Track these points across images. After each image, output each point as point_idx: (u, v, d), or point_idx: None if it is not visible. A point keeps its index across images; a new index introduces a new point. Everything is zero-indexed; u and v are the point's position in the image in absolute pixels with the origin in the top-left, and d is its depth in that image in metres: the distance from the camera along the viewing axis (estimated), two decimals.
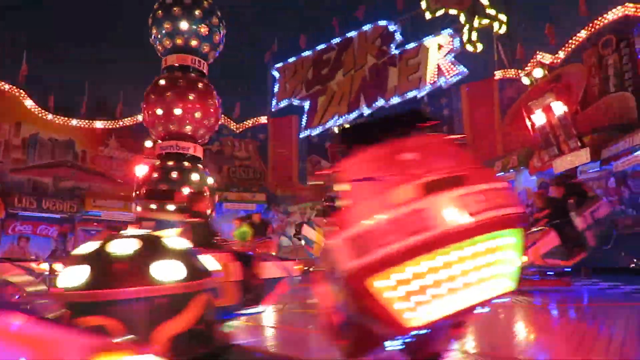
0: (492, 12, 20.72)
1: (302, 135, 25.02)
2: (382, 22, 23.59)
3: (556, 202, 9.23)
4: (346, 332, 2.62)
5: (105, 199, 21.14)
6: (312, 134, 24.73)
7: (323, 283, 2.90)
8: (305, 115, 25.03)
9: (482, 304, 2.34)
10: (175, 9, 10.80)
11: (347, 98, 23.94)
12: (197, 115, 10.58)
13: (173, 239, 3.24)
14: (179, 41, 11.02)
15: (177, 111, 10.53)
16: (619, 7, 14.85)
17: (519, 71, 18.90)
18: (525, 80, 17.76)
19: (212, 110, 11.28)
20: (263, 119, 25.85)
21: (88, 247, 3.06)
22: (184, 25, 10.89)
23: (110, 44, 24.66)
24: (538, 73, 16.07)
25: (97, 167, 22.46)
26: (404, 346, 2.44)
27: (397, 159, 2.61)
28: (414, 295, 2.22)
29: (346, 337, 2.64)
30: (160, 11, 11.18)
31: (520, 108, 18.32)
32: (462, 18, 21.24)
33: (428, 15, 22.14)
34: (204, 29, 11.08)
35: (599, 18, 15.57)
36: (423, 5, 22.18)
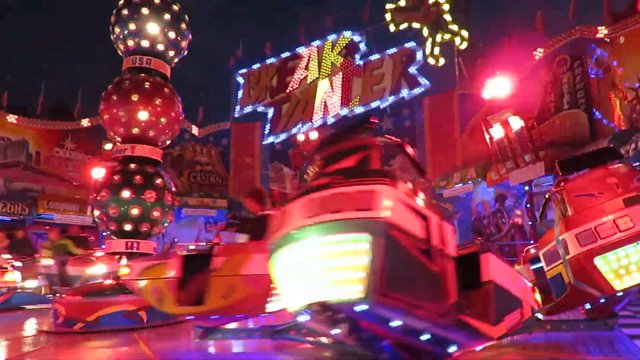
0: (454, 27, 21.28)
1: (265, 142, 24.93)
2: (348, 33, 23.85)
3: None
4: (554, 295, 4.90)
5: (60, 202, 20.48)
6: (276, 141, 24.68)
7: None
8: (269, 122, 24.97)
9: None
10: (143, 9, 10.56)
11: (311, 106, 24.03)
12: (163, 120, 10.35)
13: None
14: (144, 43, 10.76)
15: (142, 115, 10.30)
16: (574, 28, 15.51)
17: (479, 85, 19.43)
18: (485, 95, 18.26)
19: (176, 115, 11.09)
20: (226, 125, 25.63)
21: None
22: (152, 27, 10.63)
23: (70, 42, 24.05)
24: (497, 88, 16.49)
25: (52, 169, 21.73)
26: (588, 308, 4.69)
27: (607, 182, 5.18)
28: (620, 269, 4.55)
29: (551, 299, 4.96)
30: (126, 10, 10.91)
31: (479, 122, 18.84)
32: (425, 32, 21.72)
33: (392, 28, 22.55)
34: (172, 34, 10.86)
35: (555, 38, 16.22)
36: (388, 17, 22.58)
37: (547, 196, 6.67)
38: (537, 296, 4.62)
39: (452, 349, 3.33)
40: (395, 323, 2.99)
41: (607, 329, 5.43)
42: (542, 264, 5.78)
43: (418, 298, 2.87)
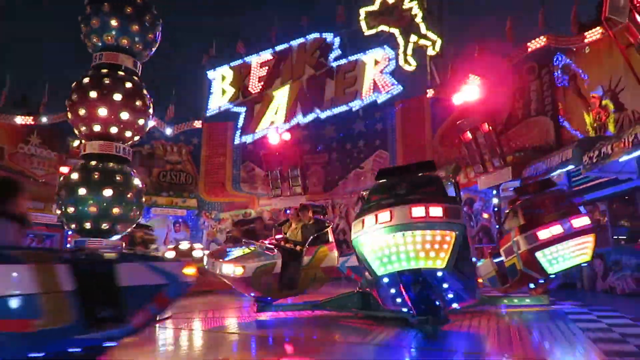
0: (426, 33, 21.54)
1: (236, 142, 24.75)
2: (322, 34, 23.88)
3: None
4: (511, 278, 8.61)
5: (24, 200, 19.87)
6: (248, 142, 24.53)
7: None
8: (241, 122, 24.80)
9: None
10: (104, 5, 10.37)
11: (284, 107, 23.97)
12: (124, 116, 10.17)
13: None
14: (108, 39, 10.57)
15: (103, 111, 10.09)
16: (541, 38, 15.87)
17: (450, 90, 19.72)
18: (455, 100, 18.54)
19: (142, 111, 10.88)
20: (197, 124, 25.34)
21: None
22: (113, 22, 10.45)
23: (39, 35, 23.45)
24: (467, 94, 16.77)
25: (16, 165, 21.09)
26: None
27: (546, 202, 8.89)
28: (552, 259, 8.07)
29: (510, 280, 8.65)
30: (88, 7, 10.70)
31: (450, 126, 19.11)
32: (398, 36, 21.93)
33: (366, 31, 22.69)
34: (135, 27, 10.67)
35: (524, 46, 16.57)
36: (362, 21, 22.71)
37: (507, 211, 9.69)
38: None
39: (455, 304, 6.62)
40: (446, 285, 5.96)
41: (546, 303, 8.62)
42: (503, 257, 9.04)
43: (461, 270, 5.84)
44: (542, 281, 8.55)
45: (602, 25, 12.41)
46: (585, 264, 8.66)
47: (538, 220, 8.41)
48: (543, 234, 8.25)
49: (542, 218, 8.42)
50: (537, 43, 15.98)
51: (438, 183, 6.32)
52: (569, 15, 16.40)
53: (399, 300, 6.06)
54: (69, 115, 10.49)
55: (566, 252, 8.16)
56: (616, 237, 11.28)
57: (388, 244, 5.61)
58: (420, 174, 6.57)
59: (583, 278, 11.92)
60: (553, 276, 8.39)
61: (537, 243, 8.21)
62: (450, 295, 6.18)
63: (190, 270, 5.23)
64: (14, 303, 3.45)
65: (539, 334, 6.13)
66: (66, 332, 3.80)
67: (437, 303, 5.84)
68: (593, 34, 14.23)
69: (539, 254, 8.20)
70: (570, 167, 11.83)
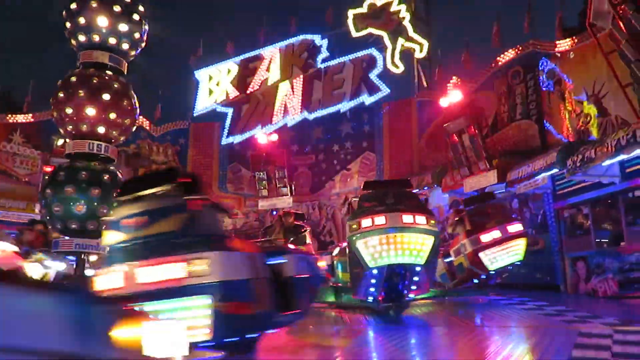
0: (414, 35, 21.66)
1: (223, 143, 24.65)
2: (310, 36, 23.89)
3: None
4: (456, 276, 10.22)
5: (6, 198, 19.61)
6: (235, 142, 24.44)
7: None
8: (228, 123, 24.70)
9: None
10: (91, 2, 10.25)
11: (271, 108, 23.93)
12: (112, 116, 10.08)
13: None
14: (95, 37, 10.45)
15: (90, 111, 9.99)
16: (528, 42, 16.05)
17: (437, 93, 19.85)
18: (442, 103, 18.66)
19: (128, 111, 10.79)
20: (184, 124, 25.20)
21: None
22: (101, 21, 10.33)
23: (23, 31, 23.15)
24: (454, 97, 16.89)
25: None
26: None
27: (488, 212, 11.14)
28: (492, 258, 9.79)
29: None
30: (74, 4, 10.56)
31: (436, 129, 19.23)
32: (386, 39, 22.03)
33: (354, 33, 22.75)
34: (123, 26, 10.58)
35: (510, 51, 16.74)
36: (350, 23, 22.77)
37: (455, 219, 11.19)
38: None
39: (412, 294, 8.08)
40: (417, 278, 7.57)
41: (485, 294, 10.57)
42: (452, 257, 10.88)
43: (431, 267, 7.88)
44: (484, 277, 10.54)
45: (587, 32, 12.58)
46: (519, 263, 10.57)
47: (481, 226, 10.37)
48: (485, 237, 10.15)
49: (485, 224, 10.39)
50: (523, 48, 16.16)
51: (417, 198, 8.74)
52: (555, 21, 16.63)
53: (372, 289, 7.71)
54: (54, 113, 10.38)
55: (503, 253, 10.12)
56: (599, 240, 11.43)
57: (381, 242, 7.17)
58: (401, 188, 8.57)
59: (566, 281, 12.07)
60: (493, 273, 10.39)
61: (480, 245, 10.11)
62: (414, 287, 7.90)
63: (322, 264, 7.13)
64: (239, 287, 3.89)
65: (466, 312, 9.33)
66: (270, 315, 4.35)
67: (404, 292, 7.73)
68: (578, 40, 14.42)
69: (482, 254, 10.09)
70: (555, 170, 11.98)
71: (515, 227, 10.45)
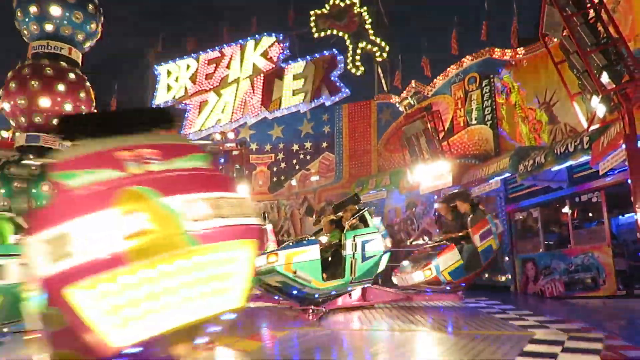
0: (375, 38, 21.93)
1: None
2: (272, 35, 23.81)
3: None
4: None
5: None
6: (193, 139, 24.08)
7: None
8: (187, 119, 24.33)
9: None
10: None
11: (230, 105, 23.72)
12: (67, 107, 9.78)
13: None
14: (48, 27, 10.12)
15: (44, 102, 9.65)
16: (484, 49, 16.51)
17: (396, 97, 20.19)
18: (400, 106, 18.99)
19: (84, 102, 10.50)
20: None
21: None
22: (55, 10, 10.00)
23: None
24: (412, 100, 17.26)
25: None
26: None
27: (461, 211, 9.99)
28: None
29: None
30: None
31: (395, 131, 19.54)
32: (347, 41, 22.22)
33: (316, 34, 22.83)
34: (77, 16, 10.26)
35: (467, 57, 17.18)
36: (312, 23, 22.84)
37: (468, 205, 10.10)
38: None
39: None
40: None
41: (457, 299, 9.74)
42: (479, 242, 9.69)
43: None
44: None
45: (540, 42, 13.06)
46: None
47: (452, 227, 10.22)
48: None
49: (452, 226, 10.30)
50: (480, 55, 16.61)
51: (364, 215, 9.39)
52: (510, 30, 17.19)
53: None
54: (4, 105, 9.98)
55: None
56: (547, 242, 11.86)
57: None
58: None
59: (517, 282, 12.46)
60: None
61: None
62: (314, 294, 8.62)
63: None
64: None
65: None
66: None
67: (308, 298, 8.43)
68: (531, 50, 14.95)
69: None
70: (507, 174, 12.37)
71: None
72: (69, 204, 2.16)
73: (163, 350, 2.38)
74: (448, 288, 9.45)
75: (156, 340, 2.10)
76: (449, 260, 9.21)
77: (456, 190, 11.55)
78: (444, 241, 9.63)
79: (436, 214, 15.76)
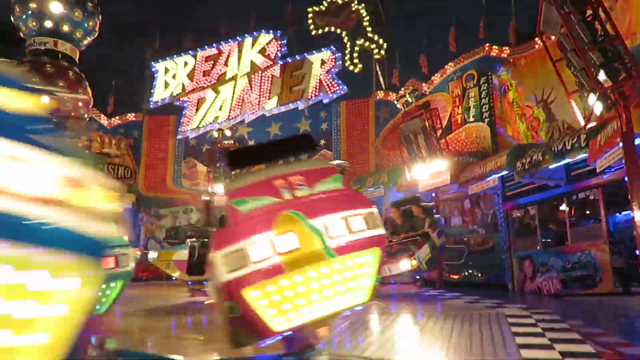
0: (372, 36, 21.90)
1: (179, 137, 24.22)
2: (269, 32, 23.77)
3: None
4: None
5: None
6: (190, 136, 24.06)
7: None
8: (184, 116, 24.29)
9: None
10: None
11: (228, 103, 23.69)
12: (67, 105, 9.75)
13: None
14: (48, 24, 10.09)
15: (43, 99, 9.59)
16: (482, 47, 16.50)
17: (393, 94, 20.18)
18: (398, 104, 18.97)
19: (81, 101, 10.48)
20: (138, 116, 24.59)
21: None
22: (55, 7, 9.97)
23: None
24: (410, 98, 17.22)
25: None
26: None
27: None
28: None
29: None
30: None
31: (393, 129, 19.54)
32: (345, 38, 22.19)
33: (313, 31, 22.80)
34: (77, 14, 10.24)
35: (465, 54, 17.18)
36: (309, 20, 22.80)
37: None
38: None
39: None
40: None
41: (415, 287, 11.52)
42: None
43: None
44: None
45: (536, 40, 13.07)
46: None
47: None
48: None
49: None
50: (478, 52, 16.60)
51: None
52: (508, 27, 17.16)
53: None
54: None
55: None
56: (544, 240, 11.89)
57: None
58: None
59: (514, 280, 12.49)
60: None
61: None
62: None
63: None
64: None
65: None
66: None
67: None
68: (528, 47, 14.94)
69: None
70: (504, 172, 12.39)
71: None
72: (242, 226, 2.93)
73: (308, 333, 3.27)
74: (424, 276, 12.02)
75: (305, 326, 2.94)
76: (425, 252, 11.15)
77: (407, 196, 13.95)
78: (417, 236, 11.51)
79: (434, 210, 15.77)
